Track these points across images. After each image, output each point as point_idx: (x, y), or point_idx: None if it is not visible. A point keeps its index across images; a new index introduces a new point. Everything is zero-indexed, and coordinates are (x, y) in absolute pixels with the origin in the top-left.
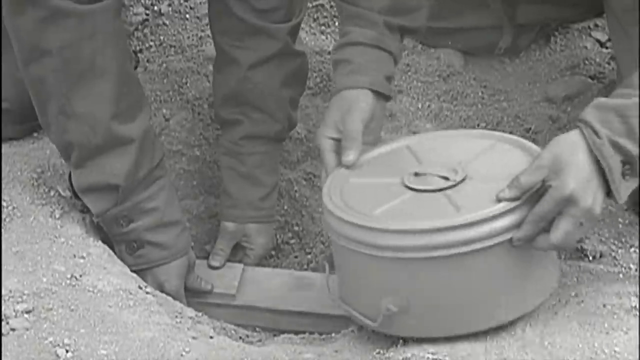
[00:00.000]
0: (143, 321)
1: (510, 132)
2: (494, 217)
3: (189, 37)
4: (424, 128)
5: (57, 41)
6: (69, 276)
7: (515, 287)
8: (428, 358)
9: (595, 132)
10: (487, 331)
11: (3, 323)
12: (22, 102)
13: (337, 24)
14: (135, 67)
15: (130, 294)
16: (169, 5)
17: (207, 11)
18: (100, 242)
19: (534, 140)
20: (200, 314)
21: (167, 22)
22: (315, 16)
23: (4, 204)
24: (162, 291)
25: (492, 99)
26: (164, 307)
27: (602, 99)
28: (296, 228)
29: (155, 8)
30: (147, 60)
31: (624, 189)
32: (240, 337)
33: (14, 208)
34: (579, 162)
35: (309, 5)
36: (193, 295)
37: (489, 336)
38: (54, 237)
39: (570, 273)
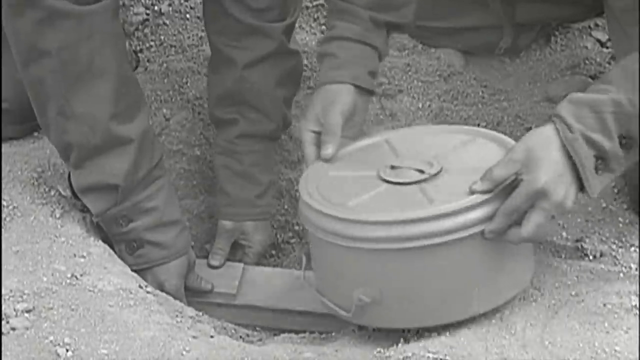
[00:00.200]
0: (143, 320)
1: (511, 132)
2: (467, 209)
3: (189, 37)
4: None
5: (55, 42)
6: (69, 275)
7: (488, 280)
8: (428, 357)
9: (569, 127)
10: (488, 330)
11: (3, 322)
12: (22, 102)
13: None
14: (136, 67)
15: (131, 293)
16: (169, 5)
17: None
18: (100, 242)
19: None
20: (200, 313)
21: (167, 22)
22: (315, 16)
23: (4, 203)
24: (162, 291)
25: (492, 99)
26: (164, 306)
27: (578, 94)
28: (297, 227)
29: (156, 8)
30: (148, 60)
31: (597, 184)
32: (241, 337)
33: (14, 208)
34: (552, 157)
35: (309, 5)
36: (193, 295)
37: (489, 335)
38: (54, 236)
39: (570, 273)
